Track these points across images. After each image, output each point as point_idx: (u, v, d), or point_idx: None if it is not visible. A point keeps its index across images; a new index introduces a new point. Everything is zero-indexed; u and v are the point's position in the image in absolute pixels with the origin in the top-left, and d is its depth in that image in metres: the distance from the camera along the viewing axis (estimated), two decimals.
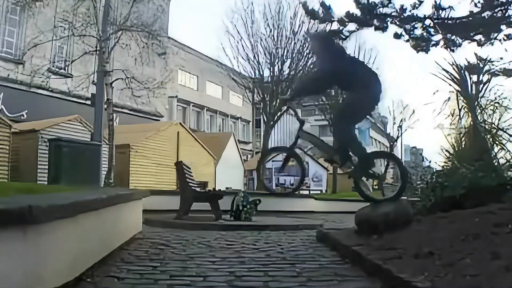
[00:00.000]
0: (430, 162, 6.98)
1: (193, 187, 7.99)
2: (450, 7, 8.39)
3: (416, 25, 8.83)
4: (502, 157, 5.22)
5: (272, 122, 22.97)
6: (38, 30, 14.05)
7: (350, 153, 4.58)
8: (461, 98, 5.53)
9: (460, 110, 5.58)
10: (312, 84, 4.92)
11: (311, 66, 23.65)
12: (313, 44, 5.01)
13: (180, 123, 18.54)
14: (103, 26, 12.57)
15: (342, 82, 4.75)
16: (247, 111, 35.03)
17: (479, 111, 5.46)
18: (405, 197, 5.59)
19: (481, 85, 5.60)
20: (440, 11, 8.45)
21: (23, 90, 16.05)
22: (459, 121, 5.58)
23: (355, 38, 23.32)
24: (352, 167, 4.62)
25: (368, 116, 36.17)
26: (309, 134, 5.17)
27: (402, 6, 8.65)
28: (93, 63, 14.52)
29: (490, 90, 5.55)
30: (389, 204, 4.36)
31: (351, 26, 9.23)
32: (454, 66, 5.58)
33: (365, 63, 4.90)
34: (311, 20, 15.48)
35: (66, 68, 16.64)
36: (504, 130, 5.31)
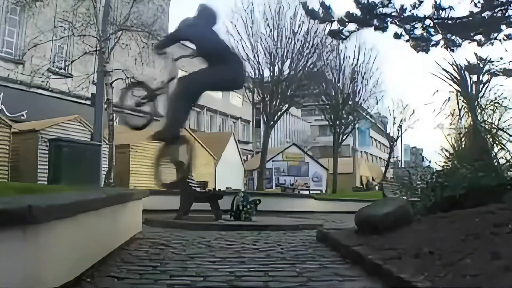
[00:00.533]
0: (430, 162, 6.98)
1: (193, 187, 7.98)
2: (450, 7, 8.42)
3: (416, 25, 8.85)
4: (502, 157, 5.21)
5: (272, 122, 22.98)
6: (38, 30, 14.06)
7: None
8: (461, 98, 5.52)
9: (460, 110, 5.58)
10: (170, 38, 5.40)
11: (311, 66, 23.68)
12: (201, 11, 5.38)
13: None
14: (103, 26, 12.58)
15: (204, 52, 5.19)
16: (247, 111, 35.06)
17: (479, 111, 5.45)
18: (405, 197, 5.59)
19: (481, 85, 5.60)
20: (440, 11, 8.47)
21: (23, 90, 16.06)
22: (459, 121, 5.57)
23: (355, 38, 23.39)
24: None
25: (368, 117, 36.18)
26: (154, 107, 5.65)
27: (402, 6, 8.69)
28: (93, 63, 14.54)
29: (490, 90, 5.55)
30: (390, 204, 4.36)
31: (351, 26, 9.27)
32: (454, 66, 5.58)
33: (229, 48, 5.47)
34: (311, 20, 15.51)
35: (66, 68, 16.66)
36: (504, 130, 5.30)
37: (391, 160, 32.21)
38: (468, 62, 6.32)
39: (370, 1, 8.67)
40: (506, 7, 8.25)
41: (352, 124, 28.24)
